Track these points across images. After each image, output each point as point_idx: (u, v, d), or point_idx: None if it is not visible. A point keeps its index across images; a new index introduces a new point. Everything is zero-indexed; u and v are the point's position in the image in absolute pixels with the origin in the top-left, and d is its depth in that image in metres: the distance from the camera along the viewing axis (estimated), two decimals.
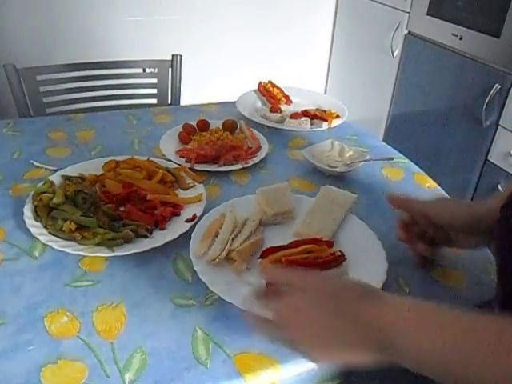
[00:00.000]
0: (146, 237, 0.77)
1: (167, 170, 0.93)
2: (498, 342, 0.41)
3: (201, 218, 0.81)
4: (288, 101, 1.36)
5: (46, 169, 0.96)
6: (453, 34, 1.84)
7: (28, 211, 0.79)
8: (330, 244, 0.74)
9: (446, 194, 0.99)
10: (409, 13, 2.06)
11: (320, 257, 0.70)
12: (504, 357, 0.40)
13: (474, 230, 0.67)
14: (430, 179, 1.04)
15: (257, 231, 0.80)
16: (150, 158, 0.96)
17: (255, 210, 0.83)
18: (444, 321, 0.45)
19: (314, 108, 1.30)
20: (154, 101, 1.59)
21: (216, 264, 0.71)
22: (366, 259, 0.74)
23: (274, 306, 0.52)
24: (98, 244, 0.73)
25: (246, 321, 0.55)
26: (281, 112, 1.27)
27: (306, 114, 1.25)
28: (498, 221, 0.59)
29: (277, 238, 0.78)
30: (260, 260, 0.71)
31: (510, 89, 1.64)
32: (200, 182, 0.92)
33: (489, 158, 1.76)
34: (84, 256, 0.73)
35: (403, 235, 0.75)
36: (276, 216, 0.82)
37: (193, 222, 0.79)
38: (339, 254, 0.72)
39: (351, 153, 1.06)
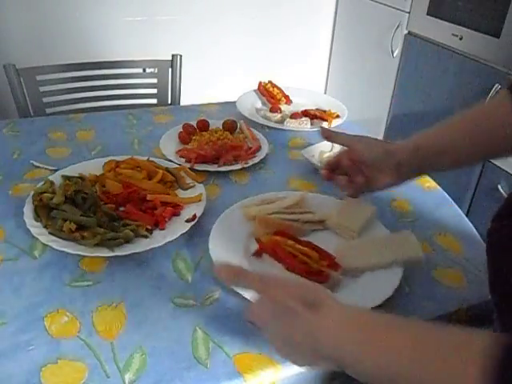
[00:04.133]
0: (146, 237, 0.76)
1: (167, 170, 0.93)
2: (413, 349, 0.42)
3: (200, 217, 0.81)
4: (288, 101, 1.36)
5: (46, 169, 0.96)
6: (453, 34, 1.84)
7: (28, 211, 0.79)
8: (332, 264, 0.72)
9: (446, 194, 0.99)
10: (409, 13, 2.06)
11: (308, 265, 0.71)
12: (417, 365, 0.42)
13: (384, 163, 0.74)
14: (430, 179, 1.04)
15: (300, 221, 0.81)
16: (150, 158, 0.96)
17: (326, 212, 0.82)
18: (374, 333, 0.46)
19: (314, 108, 1.30)
20: (154, 101, 1.59)
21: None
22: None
23: (249, 309, 0.54)
24: (98, 244, 0.73)
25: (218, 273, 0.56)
26: (281, 112, 1.27)
27: (306, 113, 1.25)
28: (488, 233, 0.59)
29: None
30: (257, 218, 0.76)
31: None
32: (200, 182, 0.92)
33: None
34: (84, 256, 0.73)
35: (325, 173, 0.80)
36: (340, 228, 0.81)
37: (193, 222, 0.79)
38: (326, 273, 0.70)
39: None
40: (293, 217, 0.81)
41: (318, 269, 0.70)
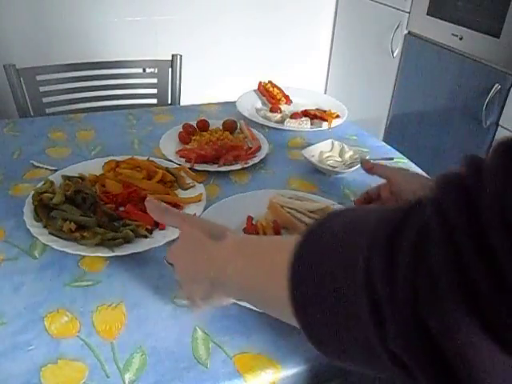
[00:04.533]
0: (145, 237, 0.77)
1: (167, 170, 0.93)
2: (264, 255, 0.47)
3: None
4: (288, 101, 1.36)
5: (46, 169, 0.96)
6: (453, 34, 1.84)
7: (28, 211, 0.79)
8: None
9: None
10: (409, 13, 2.06)
11: None
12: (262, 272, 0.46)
13: None
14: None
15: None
16: (150, 158, 0.96)
17: None
18: (249, 247, 0.51)
19: (313, 108, 1.30)
20: (154, 101, 1.59)
21: None
22: None
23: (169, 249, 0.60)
24: (98, 244, 0.73)
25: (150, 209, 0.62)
26: (281, 112, 1.27)
27: (306, 113, 1.25)
28: None
29: None
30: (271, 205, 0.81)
31: (510, 89, 1.64)
32: (200, 182, 0.92)
33: None
34: (84, 256, 0.73)
35: (358, 201, 0.81)
36: None
37: None
38: None
39: (351, 153, 1.06)
40: (306, 219, 0.81)
41: None
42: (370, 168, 0.79)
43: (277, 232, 0.78)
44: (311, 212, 0.83)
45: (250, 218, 0.81)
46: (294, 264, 0.39)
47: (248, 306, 0.63)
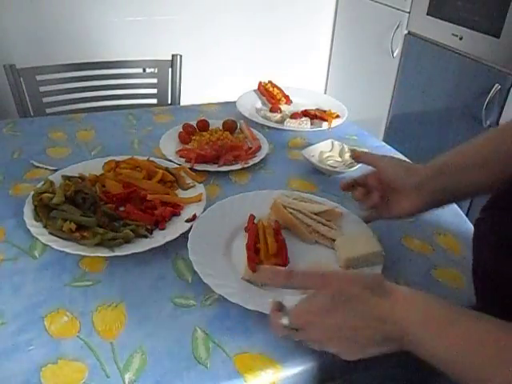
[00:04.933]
0: (145, 237, 0.76)
1: (167, 170, 0.93)
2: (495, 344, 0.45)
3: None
4: (288, 101, 1.36)
5: (46, 169, 0.96)
6: (453, 34, 1.84)
7: (28, 211, 0.79)
8: (278, 264, 0.73)
9: None
10: (409, 13, 2.06)
11: (257, 253, 0.73)
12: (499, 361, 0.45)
13: (405, 182, 0.71)
14: None
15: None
16: (150, 158, 0.96)
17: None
18: (448, 319, 0.49)
19: (313, 108, 1.30)
20: (154, 101, 1.59)
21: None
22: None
23: (293, 311, 0.55)
24: (98, 244, 0.73)
25: (272, 328, 0.57)
26: (281, 112, 1.27)
27: (306, 113, 1.25)
28: (476, 222, 0.62)
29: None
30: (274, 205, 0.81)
31: (510, 89, 1.64)
32: (200, 182, 0.92)
33: None
34: (84, 256, 0.73)
35: (343, 184, 0.80)
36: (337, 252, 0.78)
37: (193, 222, 0.79)
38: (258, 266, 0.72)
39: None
40: (308, 221, 0.80)
41: (259, 259, 0.71)
42: (357, 156, 0.79)
43: (277, 232, 0.78)
44: (314, 214, 0.82)
45: (251, 217, 0.81)
46: None
47: (248, 306, 0.63)
